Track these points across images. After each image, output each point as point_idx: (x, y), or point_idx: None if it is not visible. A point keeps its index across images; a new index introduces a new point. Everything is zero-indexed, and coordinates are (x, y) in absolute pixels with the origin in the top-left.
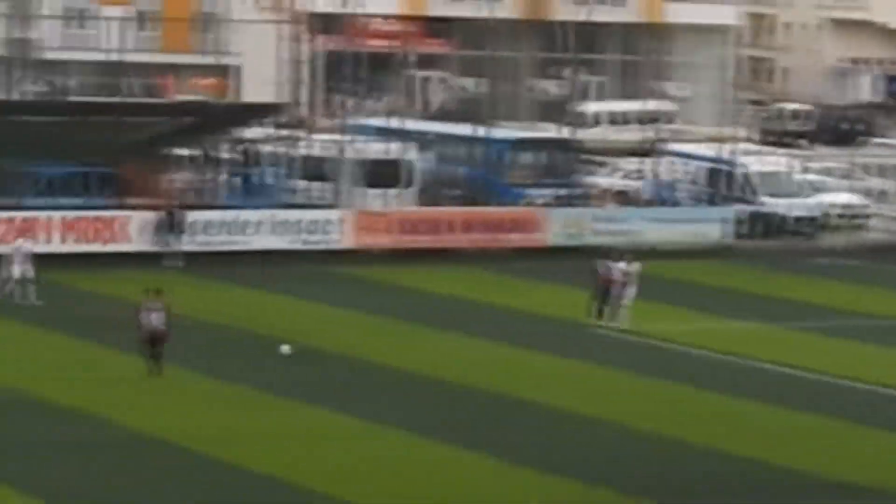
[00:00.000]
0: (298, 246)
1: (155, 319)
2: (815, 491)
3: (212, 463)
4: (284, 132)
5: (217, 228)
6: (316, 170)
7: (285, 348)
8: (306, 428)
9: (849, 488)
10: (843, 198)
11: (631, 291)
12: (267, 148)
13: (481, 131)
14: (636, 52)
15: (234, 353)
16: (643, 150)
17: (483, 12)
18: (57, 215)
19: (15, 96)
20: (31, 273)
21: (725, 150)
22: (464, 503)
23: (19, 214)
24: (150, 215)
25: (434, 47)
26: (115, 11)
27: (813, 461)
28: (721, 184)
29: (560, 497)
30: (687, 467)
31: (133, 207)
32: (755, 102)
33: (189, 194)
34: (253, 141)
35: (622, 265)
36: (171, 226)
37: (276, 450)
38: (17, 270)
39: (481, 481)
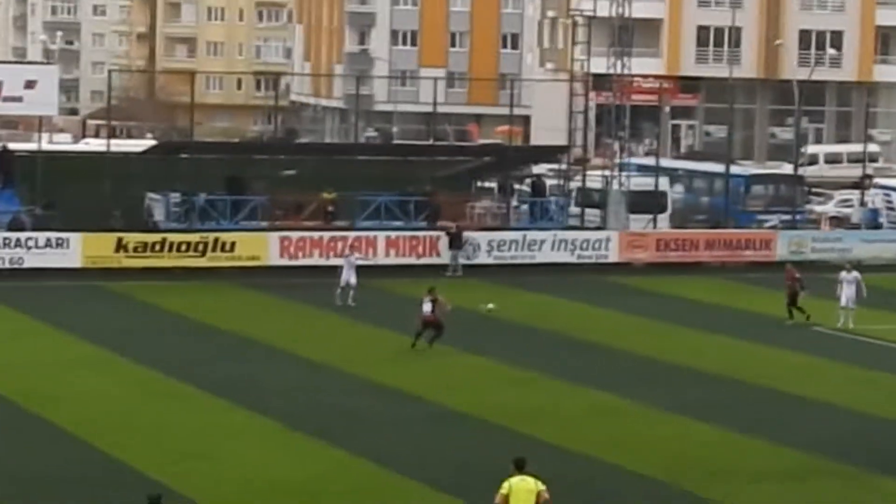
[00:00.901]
0: (575, 260)
1: (428, 309)
2: None
3: (509, 434)
4: (565, 168)
5: (510, 245)
6: (590, 199)
7: (490, 306)
8: (584, 407)
9: None
10: None
11: (850, 296)
12: (551, 181)
13: (723, 168)
14: (850, 105)
15: (526, 345)
16: (854, 184)
17: (726, 72)
18: (382, 234)
19: (353, 140)
20: (354, 280)
21: None
22: (713, 470)
23: (354, 234)
24: (442, 234)
25: (686, 100)
26: (432, 72)
27: None
28: None
29: (832, 475)
30: None
31: (440, 229)
32: None
33: (488, 219)
34: (540, 175)
35: (843, 273)
36: (454, 243)
37: (561, 424)
38: (345, 278)
39: (731, 454)
